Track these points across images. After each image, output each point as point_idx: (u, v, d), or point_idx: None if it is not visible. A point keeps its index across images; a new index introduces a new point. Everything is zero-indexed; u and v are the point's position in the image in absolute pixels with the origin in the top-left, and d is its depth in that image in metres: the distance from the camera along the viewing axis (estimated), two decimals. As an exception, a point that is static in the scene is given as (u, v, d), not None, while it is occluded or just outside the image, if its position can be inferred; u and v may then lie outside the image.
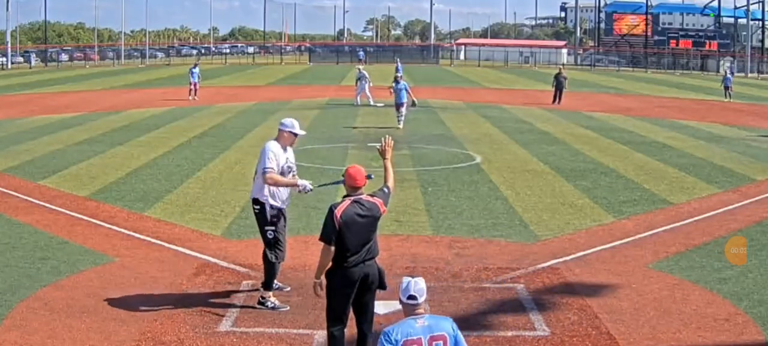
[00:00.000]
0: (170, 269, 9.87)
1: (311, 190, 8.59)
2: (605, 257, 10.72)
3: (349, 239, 6.52)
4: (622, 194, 15.24)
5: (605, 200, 14.53)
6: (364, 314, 6.75)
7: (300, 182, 8.51)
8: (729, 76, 44.19)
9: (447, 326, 5.19)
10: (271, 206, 8.48)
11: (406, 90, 26.13)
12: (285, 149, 8.54)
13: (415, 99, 26.55)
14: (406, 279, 5.32)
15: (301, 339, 7.65)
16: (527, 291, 9.16)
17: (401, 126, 24.85)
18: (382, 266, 6.80)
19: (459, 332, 5.21)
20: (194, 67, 37.70)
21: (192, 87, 36.44)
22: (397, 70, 45.91)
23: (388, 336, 5.12)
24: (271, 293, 8.52)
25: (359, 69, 37.88)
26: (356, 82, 35.97)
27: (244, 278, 9.54)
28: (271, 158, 8.36)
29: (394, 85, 26.76)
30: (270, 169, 8.31)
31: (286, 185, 8.47)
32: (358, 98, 34.69)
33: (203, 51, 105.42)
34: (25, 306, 8.38)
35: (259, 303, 8.47)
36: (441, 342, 5.12)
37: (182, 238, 11.45)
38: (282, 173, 8.44)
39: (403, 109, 25.63)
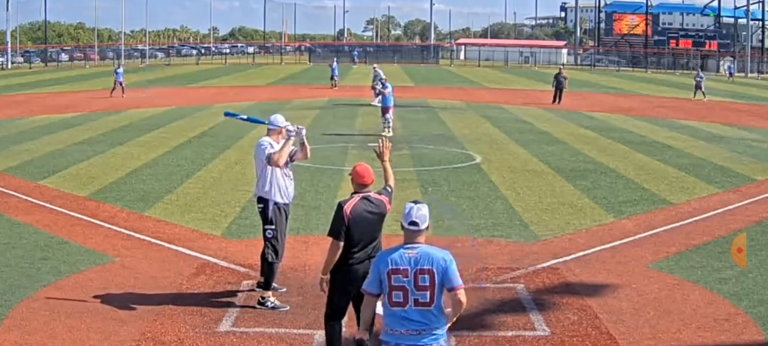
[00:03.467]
0: (170, 269, 9.87)
1: (302, 129, 8.60)
2: (605, 257, 10.72)
3: (356, 236, 6.60)
4: (622, 194, 15.24)
5: (605, 200, 14.53)
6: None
7: (290, 130, 8.48)
8: (701, 75, 43.84)
9: (437, 259, 5.13)
10: (275, 203, 8.49)
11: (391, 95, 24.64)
12: (278, 142, 8.57)
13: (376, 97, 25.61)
14: (408, 205, 5.28)
15: (301, 339, 7.65)
16: (527, 291, 9.16)
17: (391, 133, 23.44)
18: None
19: (452, 265, 5.14)
20: (118, 68, 39.77)
21: (118, 86, 38.21)
22: (333, 71, 46.54)
23: (378, 260, 5.24)
24: (270, 293, 8.53)
25: (374, 67, 37.87)
26: (373, 82, 35.95)
27: (244, 278, 9.53)
28: (267, 148, 8.49)
29: (380, 88, 25.66)
30: (271, 153, 8.41)
31: (286, 150, 8.45)
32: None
33: (203, 51, 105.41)
34: (25, 306, 8.38)
35: (259, 303, 8.47)
36: (427, 276, 5.10)
37: (182, 238, 11.45)
38: (285, 165, 8.51)
39: (389, 115, 24.05)
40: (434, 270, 5.10)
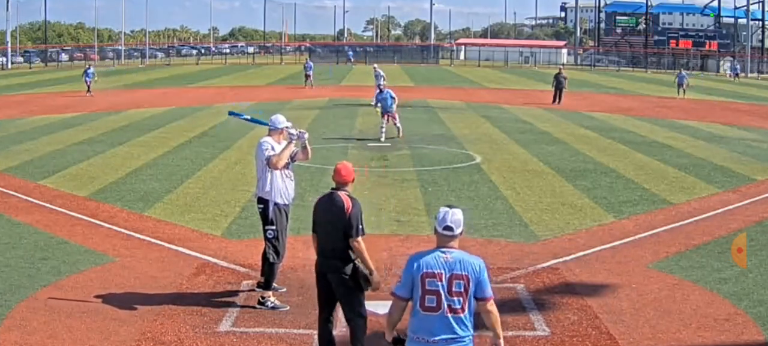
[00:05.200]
0: (170, 269, 9.87)
1: (304, 133, 8.63)
2: (605, 257, 10.71)
3: (318, 229, 6.93)
4: (622, 194, 15.24)
5: (605, 200, 14.52)
6: (349, 318, 6.88)
7: (292, 134, 8.51)
8: (683, 74, 44.89)
9: (472, 266, 5.03)
10: (275, 204, 8.49)
11: (392, 97, 23.34)
12: (279, 143, 8.58)
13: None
14: (443, 209, 5.15)
15: (301, 339, 7.65)
16: (527, 291, 9.16)
17: (382, 139, 22.36)
18: (365, 270, 6.80)
19: (485, 274, 5.04)
20: (88, 69, 41.16)
21: (87, 85, 39.59)
22: (307, 69, 46.18)
23: (411, 262, 5.09)
24: (270, 293, 8.53)
25: (375, 67, 37.80)
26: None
27: (244, 278, 9.53)
28: (268, 149, 8.49)
29: (377, 93, 24.27)
30: (271, 155, 8.42)
31: (287, 153, 8.47)
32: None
33: (203, 51, 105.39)
34: (25, 306, 8.38)
35: (259, 303, 8.47)
36: (461, 282, 4.97)
37: (182, 238, 11.44)
38: (286, 166, 8.52)
39: (397, 121, 23.04)
40: (468, 276, 4.99)
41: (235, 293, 8.98)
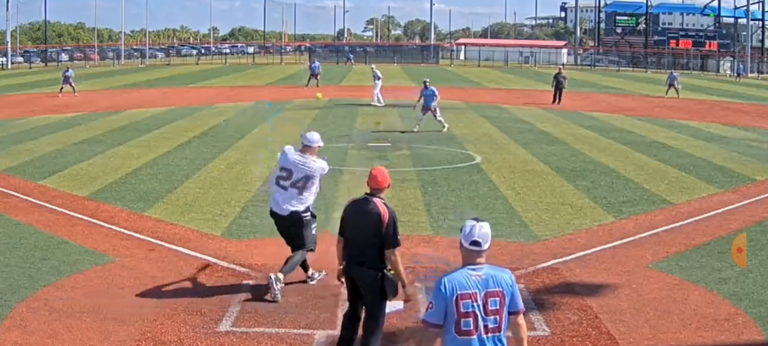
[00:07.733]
0: (170, 269, 9.86)
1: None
2: (605, 257, 10.71)
3: (346, 233, 6.81)
4: (622, 194, 15.24)
5: (605, 200, 14.52)
6: (366, 320, 6.82)
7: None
8: (674, 74, 45.21)
9: (505, 280, 4.84)
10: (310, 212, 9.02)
11: (435, 95, 25.16)
12: (314, 160, 8.91)
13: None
14: (469, 223, 4.92)
15: (301, 339, 7.65)
16: (527, 291, 9.15)
17: (416, 129, 24.22)
18: (391, 276, 6.68)
19: (516, 286, 4.90)
20: (67, 71, 41.33)
21: (69, 86, 39.65)
22: (314, 69, 45.99)
23: (443, 286, 4.80)
24: (282, 276, 8.74)
25: (373, 67, 37.86)
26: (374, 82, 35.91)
27: (244, 278, 9.53)
28: (324, 170, 9.06)
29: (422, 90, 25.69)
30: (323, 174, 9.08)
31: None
32: (380, 97, 34.66)
33: (203, 51, 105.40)
34: (25, 306, 8.38)
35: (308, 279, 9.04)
36: (498, 299, 4.78)
37: (182, 238, 11.44)
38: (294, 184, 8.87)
39: (422, 114, 24.83)
40: (503, 292, 4.82)
41: (235, 293, 8.98)
